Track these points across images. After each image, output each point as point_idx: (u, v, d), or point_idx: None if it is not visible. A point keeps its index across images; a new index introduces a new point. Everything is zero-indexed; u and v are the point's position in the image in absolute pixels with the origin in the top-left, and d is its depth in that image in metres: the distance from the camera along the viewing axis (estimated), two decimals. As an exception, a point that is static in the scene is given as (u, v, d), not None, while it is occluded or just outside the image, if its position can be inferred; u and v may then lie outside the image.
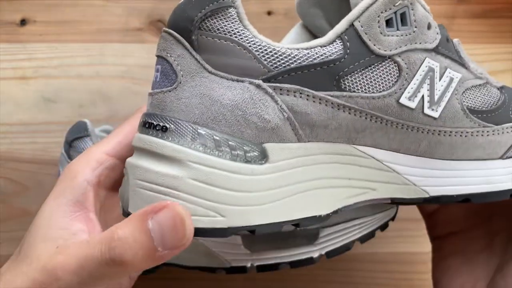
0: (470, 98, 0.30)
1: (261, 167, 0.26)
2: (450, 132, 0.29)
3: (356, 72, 0.27)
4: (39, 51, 0.48)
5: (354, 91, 0.27)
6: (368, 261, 0.48)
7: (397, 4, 0.27)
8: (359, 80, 0.27)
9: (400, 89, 0.28)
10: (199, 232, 0.25)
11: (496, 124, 0.30)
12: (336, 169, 0.28)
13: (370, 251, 0.47)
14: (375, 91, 0.27)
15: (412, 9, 0.27)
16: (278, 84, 0.26)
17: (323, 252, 0.38)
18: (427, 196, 0.30)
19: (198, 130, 0.25)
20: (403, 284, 0.48)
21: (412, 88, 0.28)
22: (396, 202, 0.30)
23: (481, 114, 0.30)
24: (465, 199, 0.30)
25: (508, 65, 0.49)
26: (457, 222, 0.37)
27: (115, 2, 0.49)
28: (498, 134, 0.30)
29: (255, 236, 0.37)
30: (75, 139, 0.39)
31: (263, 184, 0.26)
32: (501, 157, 0.30)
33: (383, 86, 0.27)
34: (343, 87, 0.27)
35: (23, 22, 0.48)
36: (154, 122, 0.26)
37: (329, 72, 0.26)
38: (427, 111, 0.28)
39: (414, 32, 0.27)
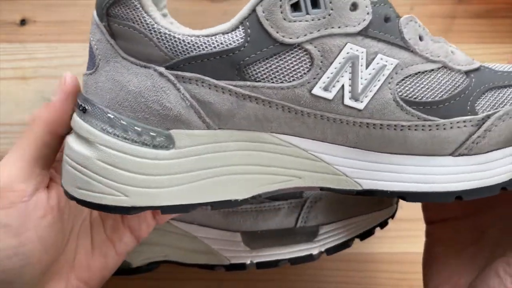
0: (410, 87, 0.26)
1: (166, 152, 0.26)
2: (381, 125, 0.26)
3: (259, 61, 0.25)
4: (39, 51, 0.47)
5: (259, 81, 0.25)
6: (368, 261, 0.47)
7: None
8: (264, 70, 0.25)
9: (314, 78, 0.25)
10: (104, 208, 0.27)
11: (444, 117, 0.26)
12: (253, 156, 0.27)
13: (370, 251, 0.47)
14: (284, 81, 0.25)
15: None
16: (179, 72, 0.25)
17: (322, 249, 0.37)
18: (359, 188, 0.28)
19: (108, 114, 0.26)
20: (403, 284, 0.47)
21: (328, 77, 0.25)
22: (327, 190, 0.29)
23: (422, 106, 0.26)
24: (400, 196, 0.28)
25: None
26: (449, 209, 0.35)
27: None
28: (444, 129, 0.26)
29: (255, 234, 0.38)
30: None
31: (168, 169, 0.26)
32: (452, 154, 0.27)
33: (292, 76, 0.25)
34: (246, 77, 0.25)
35: (23, 22, 0.48)
36: (79, 102, 0.27)
37: (230, 61, 0.25)
38: (348, 102, 0.26)
39: (329, 15, 0.25)
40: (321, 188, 0.28)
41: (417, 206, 0.45)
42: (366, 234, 0.38)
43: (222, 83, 0.25)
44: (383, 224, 0.39)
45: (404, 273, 0.47)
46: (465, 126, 0.26)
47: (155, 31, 0.25)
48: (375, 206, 0.38)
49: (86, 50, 0.51)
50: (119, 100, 0.26)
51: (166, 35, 0.25)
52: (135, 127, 0.26)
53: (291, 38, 0.25)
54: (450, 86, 0.27)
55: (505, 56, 0.49)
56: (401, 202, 0.41)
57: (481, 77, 0.28)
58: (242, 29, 0.25)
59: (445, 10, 0.49)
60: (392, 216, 0.39)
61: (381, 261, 0.47)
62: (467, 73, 0.28)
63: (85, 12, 0.48)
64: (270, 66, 0.25)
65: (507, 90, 0.28)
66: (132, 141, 0.26)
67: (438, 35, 0.47)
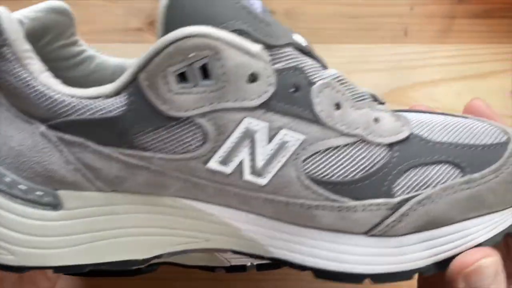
0: (318, 165, 0.23)
1: (53, 213, 0.24)
2: (286, 202, 0.23)
3: (145, 131, 0.22)
4: None
5: (148, 150, 0.23)
6: None
7: (191, 55, 0.21)
8: (152, 140, 0.22)
9: (209, 152, 0.22)
10: None
11: (355, 199, 0.23)
12: (152, 219, 0.25)
13: None
14: (175, 152, 0.23)
15: (219, 60, 0.21)
16: (61, 134, 0.23)
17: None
18: (270, 256, 0.25)
19: None
20: (402, 284, 0.47)
21: (224, 152, 0.22)
22: (238, 253, 0.26)
23: (332, 185, 0.23)
24: (312, 272, 0.25)
25: (508, 65, 0.46)
26: None
27: (115, 2, 0.47)
28: (355, 211, 0.23)
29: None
30: None
31: (56, 230, 0.24)
32: (365, 234, 0.24)
33: (184, 148, 0.22)
34: (134, 145, 0.22)
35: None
36: None
37: (114, 128, 0.22)
38: (248, 177, 0.23)
39: (223, 87, 0.22)
40: (233, 251, 0.26)
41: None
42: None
43: (107, 150, 0.23)
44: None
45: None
46: (378, 209, 0.23)
47: (32, 88, 0.22)
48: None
49: (86, 50, 0.50)
50: (3, 155, 0.23)
51: (43, 94, 0.22)
52: (20, 186, 0.23)
53: (178, 112, 0.22)
54: (366, 164, 0.23)
55: (504, 56, 0.49)
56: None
57: (407, 150, 0.24)
58: (125, 95, 0.22)
59: (445, 10, 0.49)
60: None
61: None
62: (391, 145, 0.24)
63: (85, 12, 0.48)
64: (158, 137, 0.22)
65: (434, 168, 0.24)
66: (18, 199, 0.24)
67: (438, 35, 0.47)
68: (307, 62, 0.23)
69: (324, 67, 0.24)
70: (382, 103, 0.26)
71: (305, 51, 0.23)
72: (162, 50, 0.21)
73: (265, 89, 0.22)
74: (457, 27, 0.49)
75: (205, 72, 0.22)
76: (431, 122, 0.25)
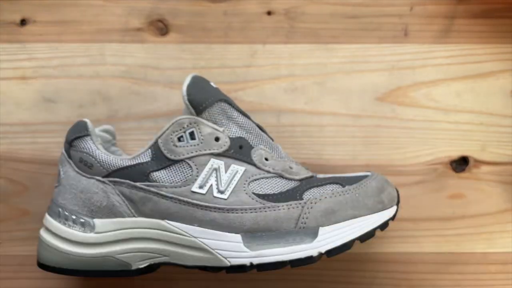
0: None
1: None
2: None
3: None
4: (39, 51, 0.47)
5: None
6: (368, 261, 0.46)
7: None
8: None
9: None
10: None
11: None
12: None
13: (370, 251, 0.46)
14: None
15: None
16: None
17: (323, 251, 0.36)
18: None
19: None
20: (403, 284, 0.46)
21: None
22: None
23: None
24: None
25: (508, 65, 0.47)
26: None
27: (115, 2, 0.47)
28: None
29: (255, 235, 0.38)
30: (76, 138, 0.39)
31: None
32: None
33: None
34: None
35: (23, 22, 0.47)
36: None
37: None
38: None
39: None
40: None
41: (417, 206, 0.45)
42: (366, 236, 0.38)
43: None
44: (383, 226, 0.38)
45: (404, 273, 0.46)
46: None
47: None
48: (375, 208, 0.38)
49: (86, 50, 0.50)
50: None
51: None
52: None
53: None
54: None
55: (504, 56, 0.48)
56: (401, 202, 0.41)
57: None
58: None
59: (445, 10, 0.49)
60: (393, 218, 0.39)
61: (381, 261, 0.47)
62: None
63: (85, 12, 0.48)
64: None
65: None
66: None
67: (438, 35, 0.47)
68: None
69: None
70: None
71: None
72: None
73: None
74: (457, 27, 0.49)
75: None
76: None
